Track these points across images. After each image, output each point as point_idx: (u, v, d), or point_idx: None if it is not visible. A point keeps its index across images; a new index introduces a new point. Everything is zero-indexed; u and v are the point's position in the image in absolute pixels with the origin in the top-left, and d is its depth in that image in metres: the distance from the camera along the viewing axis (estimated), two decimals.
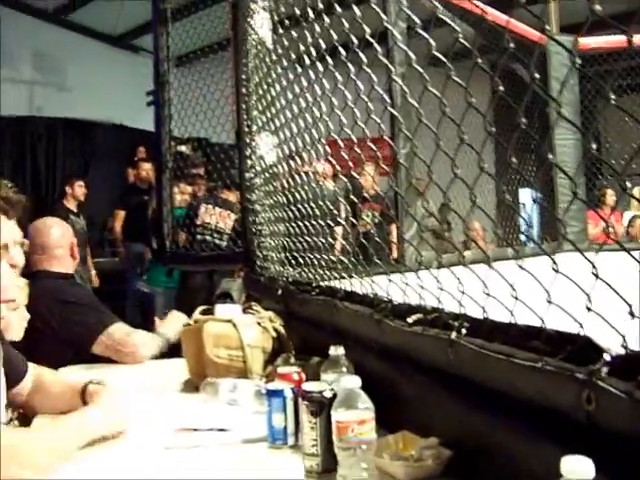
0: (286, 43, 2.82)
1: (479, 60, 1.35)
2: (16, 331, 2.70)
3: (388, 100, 2.08)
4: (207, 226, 6.50)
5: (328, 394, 1.69)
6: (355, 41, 2.00)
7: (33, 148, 11.80)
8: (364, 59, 1.96)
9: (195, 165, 7.57)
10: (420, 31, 1.57)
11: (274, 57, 3.05)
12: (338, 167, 2.53)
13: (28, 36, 11.54)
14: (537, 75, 1.58)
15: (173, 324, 3.28)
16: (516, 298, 1.35)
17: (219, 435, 2.01)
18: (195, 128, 5.22)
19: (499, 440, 1.40)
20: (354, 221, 4.02)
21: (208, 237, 6.37)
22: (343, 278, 2.44)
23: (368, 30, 1.94)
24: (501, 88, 1.26)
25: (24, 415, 2.43)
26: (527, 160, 5.17)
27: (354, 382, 1.57)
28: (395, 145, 2.89)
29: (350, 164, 2.36)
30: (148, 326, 6.39)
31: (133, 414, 2.09)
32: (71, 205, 8.41)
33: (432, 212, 1.82)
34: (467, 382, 1.46)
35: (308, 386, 1.75)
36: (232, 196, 6.46)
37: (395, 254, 3.66)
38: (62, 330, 3.08)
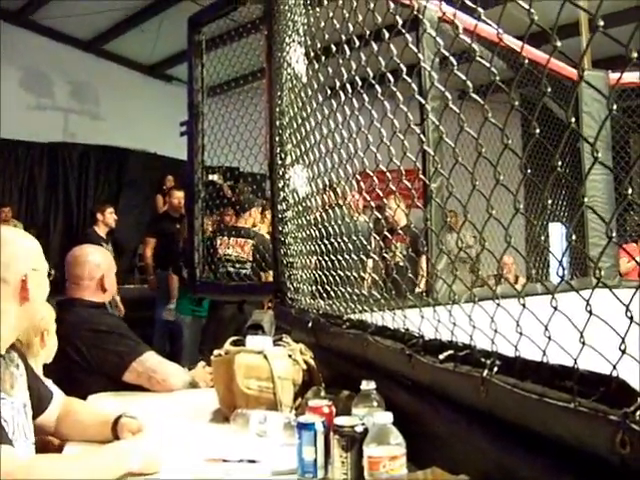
0: (321, 78, 2.85)
1: (514, 100, 1.37)
2: (46, 356, 2.75)
3: (419, 133, 2.11)
4: (228, 258, 6.48)
5: (359, 429, 1.70)
6: (389, 76, 2.02)
7: (65, 174, 11.96)
8: (400, 96, 1.99)
9: (238, 194, 7.54)
10: (454, 68, 1.59)
11: (309, 92, 3.07)
12: (369, 199, 2.55)
13: (65, 64, 11.74)
14: (569, 113, 1.59)
15: (200, 375, 3.31)
16: (549, 338, 1.36)
17: (249, 466, 2.02)
18: (228, 158, 5.26)
19: (529, 479, 1.39)
20: (385, 255, 4.03)
21: (231, 268, 6.35)
22: (374, 311, 2.45)
23: (403, 67, 1.96)
24: (537, 131, 1.27)
25: (49, 444, 2.46)
26: (557, 194, 5.16)
27: (386, 418, 1.58)
28: (426, 178, 2.90)
29: (381, 196, 2.38)
30: (175, 355, 6.43)
31: (166, 450, 2.10)
32: (102, 232, 8.44)
33: (465, 246, 1.83)
34: (498, 420, 1.46)
35: (340, 420, 1.76)
36: (242, 221, 6.45)
37: (422, 287, 3.67)
38: (94, 358, 3.11)
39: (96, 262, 3.36)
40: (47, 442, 2.46)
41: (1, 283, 1.96)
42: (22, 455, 1.91)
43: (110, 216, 8.52)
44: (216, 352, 2.76)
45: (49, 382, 2.65)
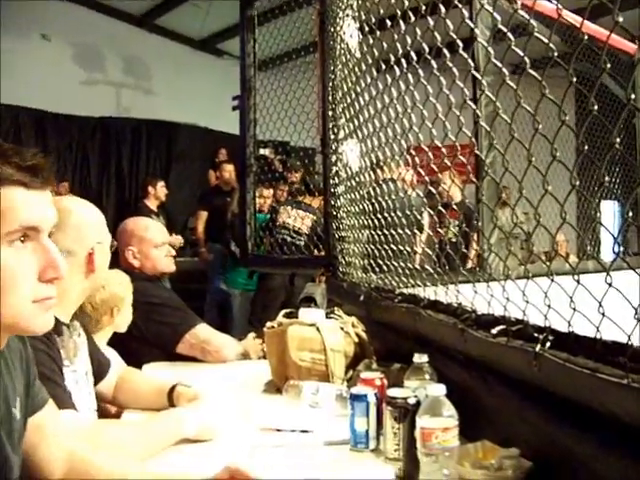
0: (375, 52, 2.85)
1: (572, 77, 1.37)
2: (125, 326, 2.82)
3: (475, 108, 2.10)
4: (287, 226, 6.59)
5: (412, 401, 1.72)
6: (444, 50, 2.02)
7: (118, 148, 12.09)
8: (455, 71, 1.99)
9: (291, 169, 7.61)
10: (511, 44, 1.59)
11: (363, 66, 3.07)
12: (423, 174, 2.55)
13: (117, 40, 11.83)
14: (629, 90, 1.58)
15: (250, 346, 3.34)
16: (603, 314, 1.36)
17: (302, 436, 2.05)
18: (279, 132, 5.26)
19: (581, 455, 1.40)
20: (439, 230, 4.03)
21: (287, 237, 6.45)
22: (426, 286, 2.46)
23: (458, 41, 1.95)
24: (595, 107, 1.27)
25: (106, 410, 2.52)
26: (611, 171, 5.09)
27: (439, 390, 1.60)
28: (480, 153, 2.90)
29: (436, 171, 2.38)
30: (226, 327, 6.51)
31: (221, 418, 2.14)
32: (153, 205, 8.53)
33: (519, 221, 1.83)
34: (550, 395, 1.47)
35: (392, 392, 1.79)
36: (315, 202, 6.53)
37: (473, 263, 3.66)
38: (148, 330, 3.17)
39: (151, 234, 3.40)
40: (105, 409, 2.52)
41: (69, 255, 1.99)
42: (86, 420, 1.97)
43: (161, 189, 8.61)
44: (269, 324, 2.79)
45: (114, 352, 2.72)
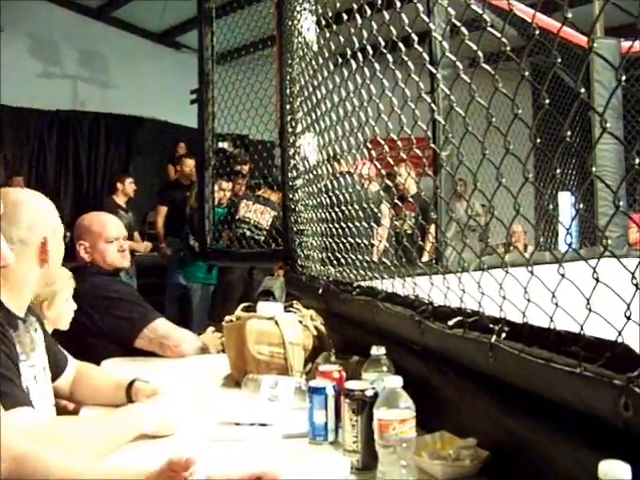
0: (332, 46, 2.85)
1: (524, 71, 1.38)
2: (65, 322, 2.78)
3: (430, 101, 2.12)
4: (246, 221, 6.59)
5: (370, 393, 1.73)
6: (400, 44, 2.03)
7: (75, 143, 11.96)
8: (411, 65, 2.00)
9: (240, 163, 7.61)
10: (465, 37, 1.60)
11: (320, 60, 3.08)
12: (380, 167, 2.56)
13: (74, 32, 11.69)
14: (579, 83, 1.60)
15: (209, 340, 3.33)
16: (556, 305, 1.38)
17: (261, 430, 2.06)
18: (238, 125, 5.25)
19: (537, 443, 1.43)
20: (396, 222, 4.05)
21: (247, 232, 6.45)
22: (384, 278, 2.47)
23: (413, 35, 1.97)
24: (547, 101, 1.28)
25: (63, 407, 2.50)
26: (567, 163, 5.14)
27: (396, 382, 1.61)
28: (436, 146, 2.91)
29: (392, 164, 2.39)
30: (186, 321, 6.49)
31: (180, 413, 2.13)
32: (120, 201, 8.53)
33: (475, 214, 1.85)
34: (506, 385, 1.49)
35: (350, 384, 1.79)
36: (274, 196, 6.53)
37: (430, 255, 3.68)
38: (106, 325, 3.14)
39: (108, 229, 3.38)
40: (63, 406, 2.50)
41: (21, 244, 1.97)
42: (43, 417, 1.95)
43: (129, 186, 8.65)
44: (227, 318, 2.79)
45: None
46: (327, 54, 2.96)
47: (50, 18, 11.42)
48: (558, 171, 1.31)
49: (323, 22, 3.01)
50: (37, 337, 2.16)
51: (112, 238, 3.37)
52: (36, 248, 2.03)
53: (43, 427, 1.80)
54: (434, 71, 2.03)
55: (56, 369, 2.31)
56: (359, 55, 2.46)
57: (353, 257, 2.91)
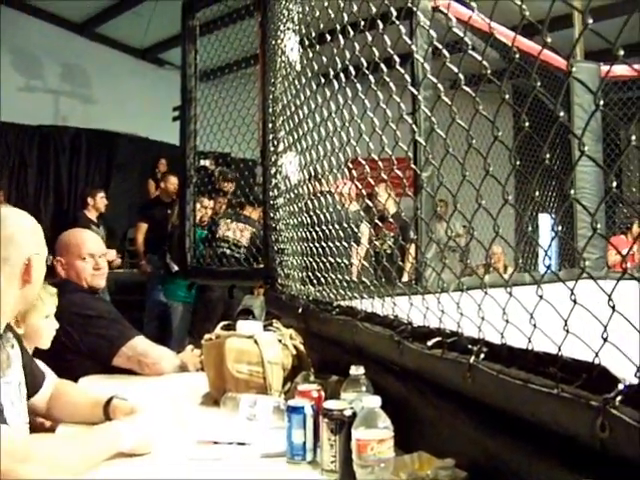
0: (315, 66, 2.87)
1: (505, 94, 1.39)
2: (45, 340, 2.76)
3: (411, 123, 2.13)
4: (226, 239, 6.60)
5: (348, 412, 1.73)
6: (382, 65, 2.05)
7: (56, 158, 11.91)
8: (392, 86, 2.01)
9: (228, 180, 7.61)
10: (446, 60, 1.61)
11: (303, 79, 3.09)
12: (361, 187, 2.57)
13: (57, 47, 11.68)
14: (559, 103, 1.62)
15: (188, 358, 3.32)
16: (534, 326, 1.39)
17: (239, 449, 2.05)
18: (220, 143, 5.25)
19: (514, 464, 1.43)
20: (375, 242, 4.06)
21: (227, 250, 6.45)
22: (364, 298, 2.47)
23: (395, 56, 1.98)
24: (527, 124, 1.30)
25: (40, 424, 2.49)
26: (547, 186, 5.18)
27: (375, 402, 1.61)
28: (417, 167, 2.92)
29: (373, 184, 2.40)
30: (165, 339, 6.45)
31: (157, 431, 2.11)
32: (92, 216, 8.51)
33: (455, 235, 1.86)
34: (484, 406, 1.49)
35: (329, 404, 1.80)
36: (254, 213, 6.54)
37: (408, 276, 3.69)
38: (84, 343, 3.12)
39: (87, 246, 3.37)
40: (39, 423, 2.48)
41: (4, 264, 1.95)
42: (18, 435, 1.93)
43: (101, 200, 8.60)
44: (207, 336, 2.78)
45: (41, 363, 2.67)
46: (310, 74, 2.98)
47: (33, 32, 11.41)
48: (537, 193, 1.32)
49: (306, 42, 3.02)
50: (13, 353, 2.14)
51: (85, 254, 3.36)
52: (19, 269, 2.01)
53: (19, 445, 1.78)
54: (415, 92, 2.04)
55: (33, 386, 2.29)
56: (341, 75, 2.47)
57: (333, 276, 2.91)
